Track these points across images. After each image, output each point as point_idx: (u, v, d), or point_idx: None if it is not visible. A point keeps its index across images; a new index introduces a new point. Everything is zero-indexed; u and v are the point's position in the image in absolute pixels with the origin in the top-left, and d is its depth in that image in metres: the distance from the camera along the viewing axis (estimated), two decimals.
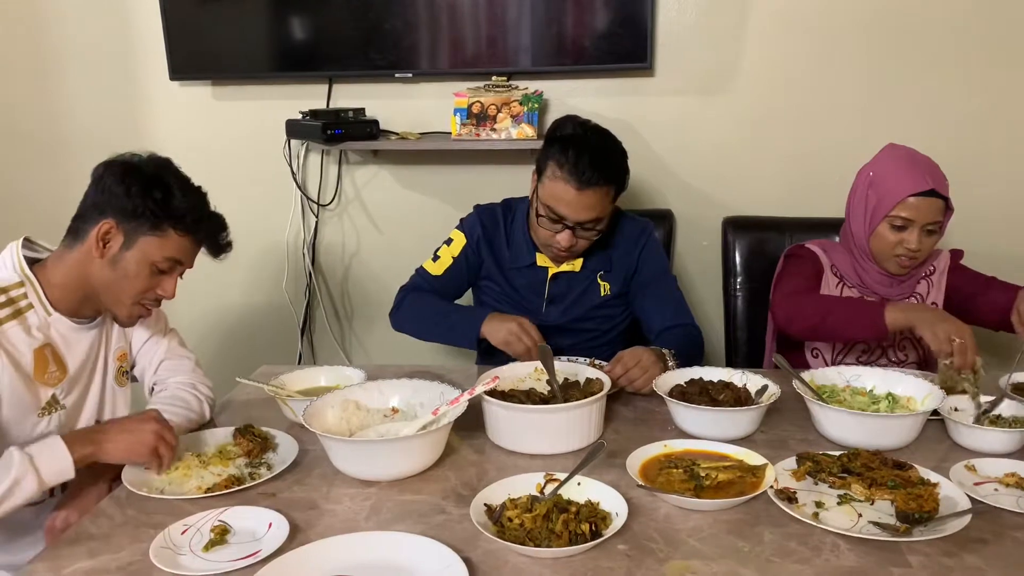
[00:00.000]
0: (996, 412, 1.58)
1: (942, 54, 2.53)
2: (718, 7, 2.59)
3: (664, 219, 2.60)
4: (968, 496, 1.30)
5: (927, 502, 1.27)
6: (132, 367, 1.74)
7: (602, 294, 2.09)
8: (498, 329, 1.88)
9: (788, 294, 2.00)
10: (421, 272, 2.14)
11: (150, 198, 1.50)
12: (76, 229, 1.54)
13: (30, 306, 1.50)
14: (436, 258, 2.13)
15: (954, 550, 1.19)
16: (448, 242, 2.14)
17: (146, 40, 2.87)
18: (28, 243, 1.59)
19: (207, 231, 1.60)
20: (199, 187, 1.60)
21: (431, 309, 2.05)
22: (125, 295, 1.55)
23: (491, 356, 2.01)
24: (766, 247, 2.43)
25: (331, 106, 2.81)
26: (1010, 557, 1.17)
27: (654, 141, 2.70)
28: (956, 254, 2.12)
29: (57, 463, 1.35)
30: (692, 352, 1.92)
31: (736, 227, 2.50)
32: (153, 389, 1.73)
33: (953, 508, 1.27)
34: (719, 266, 2.52)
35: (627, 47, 2.57)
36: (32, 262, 1.55)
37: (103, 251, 1.51)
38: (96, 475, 1.47)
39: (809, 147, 2.65)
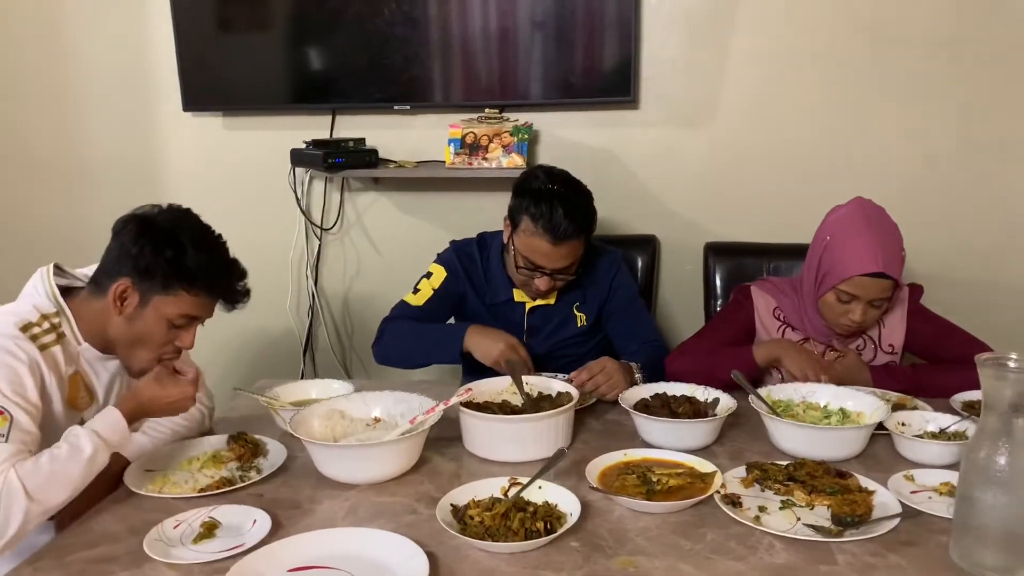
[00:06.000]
0: (941, 428, 1.67)
1: (918, 84, 2.61)
2: (699, 44, 2.71)
3: (649, 244, 2.72)
4: (902, 503, 1.39)
5: (860, 507, 1.37)
6: None
7: (579, 325, 2.21)
8: (490, 348, 1.97)
9: (684, 353, 2.08)
10: (402, 305, 2.20)
11: (161, 257, 1.51)
12: (98, 283, 1.56)
13: (63, 335, 1.54)
14: (416, 291, 2.19)
15: (880, 550, 1.28)
16: (428, 275, 2.21)
17: (161, 73, 3.03)
18: (58, 270, 1.61)
19: (222, 286, 1.60)
20: (217, 238, 1.60)
21: (411, 332, 2.13)
22: (143, 351, 1.59)
23: (479, 373, 2.06)
24: (745, 272, 2.53)
25: (333, 136, 2.95)
26: (931, 557, 1.26)
27: (639, 170, 2.82)
28: (915, 291, 2.09)
29: (113, 424, 1.47)
30: (657, 367, 2.04)
31: (717, 252, 2.61)
32: None
33: (885, 513, 1.37)
34: (702, 289, 2.63)
35: (612, 82, 2.71)
36: (63, 290, 1.58)
37: (121, 309, 1.54)
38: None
39: (787, 176, 2.75)
